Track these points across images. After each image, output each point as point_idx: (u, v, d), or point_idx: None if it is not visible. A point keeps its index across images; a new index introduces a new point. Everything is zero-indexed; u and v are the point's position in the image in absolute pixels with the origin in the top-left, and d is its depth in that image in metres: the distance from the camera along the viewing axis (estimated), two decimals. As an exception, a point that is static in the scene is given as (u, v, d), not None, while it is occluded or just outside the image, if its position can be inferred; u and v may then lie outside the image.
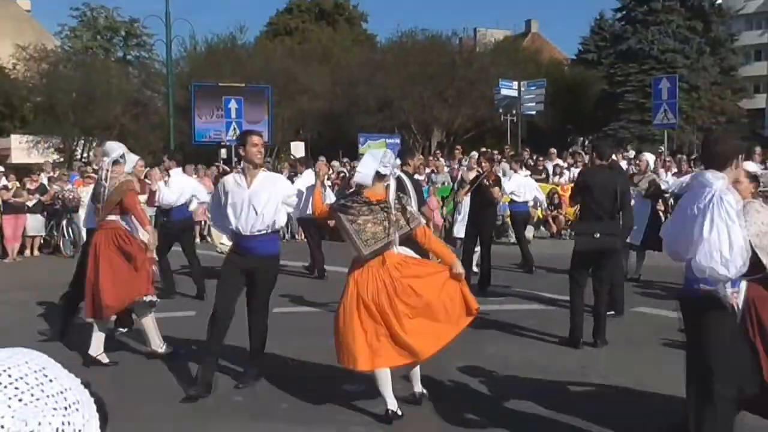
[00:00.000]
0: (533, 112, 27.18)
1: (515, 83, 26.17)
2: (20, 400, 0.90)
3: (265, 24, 52.83)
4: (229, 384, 5.58)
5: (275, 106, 29.33)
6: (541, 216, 15.47)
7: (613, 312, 7.64)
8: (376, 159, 4.87)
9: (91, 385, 1.01)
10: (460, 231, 10.78)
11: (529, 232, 14.20)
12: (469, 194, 9.73)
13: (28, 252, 14.61)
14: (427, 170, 17.21)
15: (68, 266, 10.82)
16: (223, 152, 23.68)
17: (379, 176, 4.84)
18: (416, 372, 5.12)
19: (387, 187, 4.86)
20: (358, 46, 46.11)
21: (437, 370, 5.94)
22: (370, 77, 34.11)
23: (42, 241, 14.88)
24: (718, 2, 42.04)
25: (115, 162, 6.33)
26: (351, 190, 5.40)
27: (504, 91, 26.12)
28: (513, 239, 12.63)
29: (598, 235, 6.59)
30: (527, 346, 6.71)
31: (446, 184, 16.83)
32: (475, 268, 9.84)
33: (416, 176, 9.52)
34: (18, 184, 14.98)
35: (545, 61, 44.59)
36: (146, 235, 6.41)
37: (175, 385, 5.60)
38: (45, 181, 15.33)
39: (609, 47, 42.05)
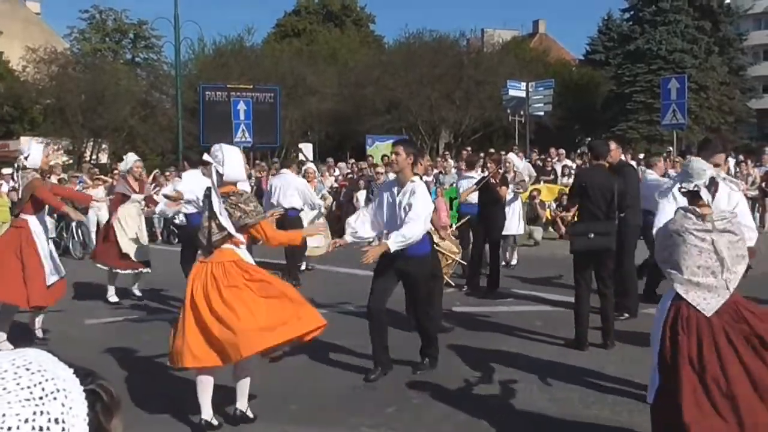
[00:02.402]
0: (541, 113, 27.08)
1: (523, 84, 26.10)
2: None
3: (273, 26, 53.01)
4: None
5: (283, 108, 29.38)
6: (549, 217, 15.43)
7: (626, 314, 7.61)
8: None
9: (93, 374, 0.99)
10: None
11: (538, 233, 14.20)
12: (477, 194, 9.73)
13: (38, 253, 14.67)
14: (435, 171, 17.21)
15: (78, 267, 10.91)
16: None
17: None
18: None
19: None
20: (366, 47, 46.16)
21: (446, 371, 5.95)
22: (378, 78, 34.12)
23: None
24: (726, 2, 41.81)
25: None
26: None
27: (512, 92, 26.05)
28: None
29: (593, 235, 6.59)
30: (535, 347, 6.70)
31: (454, 185, 16.80)
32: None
33: (424, 178, 9.52)
34: (28, 186, 15.06)
35: (553, 62, 44.49)
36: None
37: (188, 385, 5.62)
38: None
39: (617, 47, 41.88)
